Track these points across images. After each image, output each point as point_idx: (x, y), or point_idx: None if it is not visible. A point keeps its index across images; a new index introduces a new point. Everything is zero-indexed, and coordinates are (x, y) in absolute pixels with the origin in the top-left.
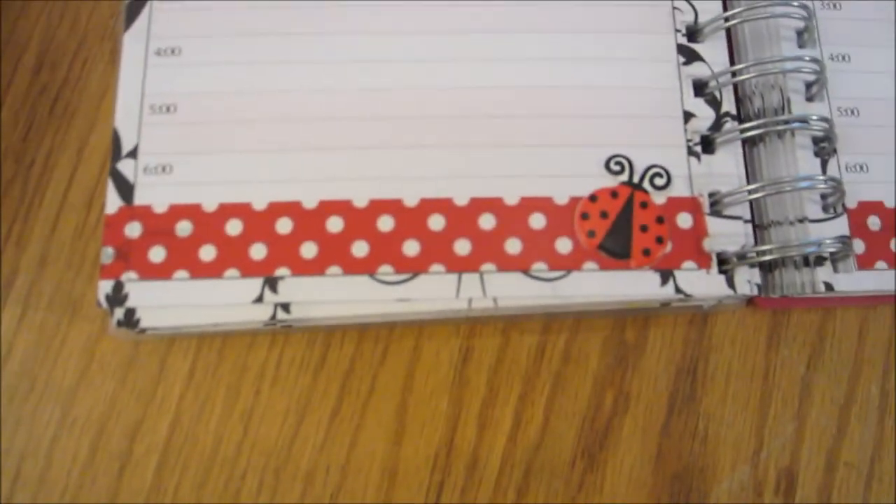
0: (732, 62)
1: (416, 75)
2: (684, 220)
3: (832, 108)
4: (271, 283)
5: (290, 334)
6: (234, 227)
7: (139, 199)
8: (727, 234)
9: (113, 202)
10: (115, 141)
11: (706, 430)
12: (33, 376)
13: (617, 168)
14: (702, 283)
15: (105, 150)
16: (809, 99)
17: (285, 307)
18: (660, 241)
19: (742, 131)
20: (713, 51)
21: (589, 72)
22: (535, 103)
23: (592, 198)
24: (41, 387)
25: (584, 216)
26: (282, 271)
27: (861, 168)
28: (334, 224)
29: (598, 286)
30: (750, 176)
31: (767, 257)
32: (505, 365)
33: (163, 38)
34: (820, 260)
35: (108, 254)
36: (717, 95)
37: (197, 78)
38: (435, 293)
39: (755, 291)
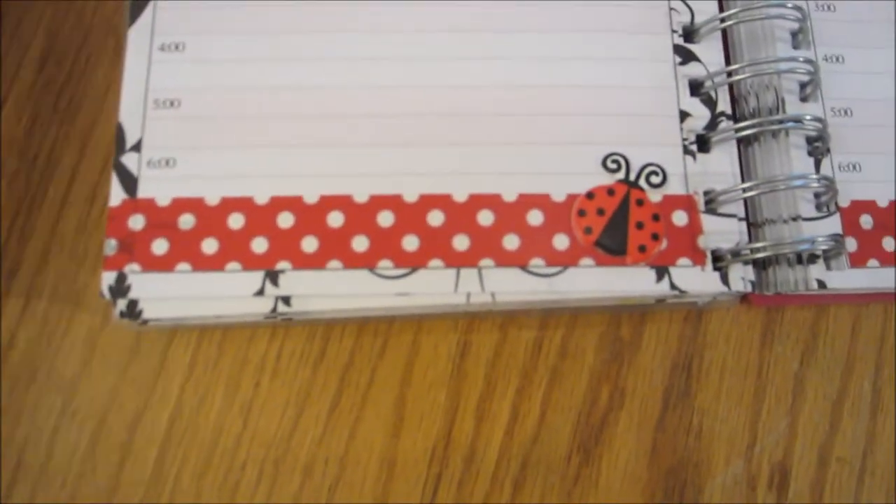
0: (728, 63)
1: (417, 73)
2: (680, 218)
3: (826, 109)
4: (272, 277)
5: (290, 328)
6: (236, 221)
7: (142, 192)
8: (722, 232)
9: (116, 195)
10: (119, 135)
11: (700, 425)
12: (35, 367)
13: (614, 166)
14: (697, 280)
15: (108, 145)
16: (804, 99)
17: (286, 300)
18: (655, 238)
19: (737, 130)
20: (709, 51)
21: (587, 71)
22: (534, 102)
23: (589, 195)
24: (43, 378)
25: (581, 213)
26: (283, 265)
27: (854, 168)
28: (335, 219)
29: (595, 282)
30: (745, 175)
31: (761, 254)
32: (502, 359)
33: (167, 34)
34: (813, 258)
35: (111, 246)
36: (713, 95)
37: (200, 73)
38: (434, 288)
39: (749, 288)
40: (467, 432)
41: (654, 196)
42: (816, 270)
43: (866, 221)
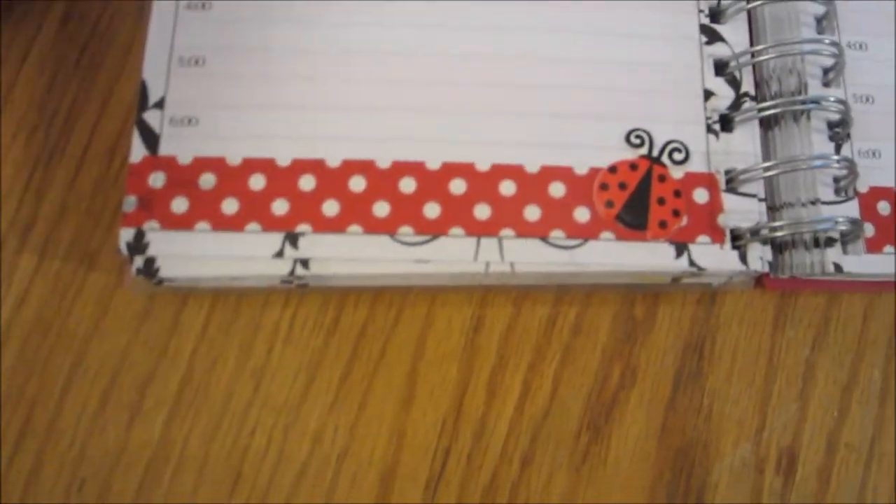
0: (752, 44)
1: (442, 42)
2: (700, 196)
3: (848, 95)
4: (292, 239)
5: (304, 295)
6: (257, 182)
7: (164, 149)
8: (741, 211)
9: (138, 151)
10: (143, 91)
11: (711, 406)
12: (47, 325)
13: (637, 141)
14: (715, 258)
15: (129, 104)
16: (826, 84)
17: (304, 263)
18: (676, 214)
19: (760, 110)
20: (734, 32)
21: (615, 47)
22: (560, 74)
23: (612, 169)
24: (54, 336)
25: (604, 187)
26: (303, 227)
27: (874, 154)
28: (357, 183)
29: (615, 256)
30: (765, 158)
31: (780, 233)
32: (516, 334)
33: None
34: (830, 241)
35: (130, 202)
36: (737, 75)
37: (227, 32)
38: (453, 256)
39: (766, 268)
40: (478, 406)
41: (677, 173)
42: (833, 254)
43: (884, 208)
